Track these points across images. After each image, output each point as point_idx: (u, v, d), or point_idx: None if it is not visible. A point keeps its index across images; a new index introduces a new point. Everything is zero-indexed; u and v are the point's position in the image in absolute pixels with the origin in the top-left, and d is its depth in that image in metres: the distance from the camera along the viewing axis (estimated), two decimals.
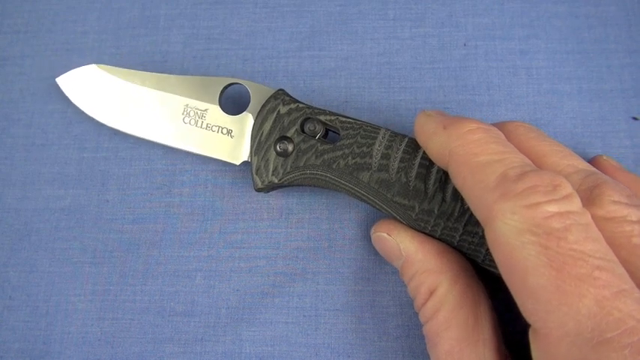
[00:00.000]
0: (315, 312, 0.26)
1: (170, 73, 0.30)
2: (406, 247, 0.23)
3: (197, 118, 0.27)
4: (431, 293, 0.22)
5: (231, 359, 0.26)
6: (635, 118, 0.28)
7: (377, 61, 0.29)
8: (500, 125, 0.24)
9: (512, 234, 0.18)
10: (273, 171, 0.25)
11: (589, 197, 0.20)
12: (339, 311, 0.26)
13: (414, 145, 0.24)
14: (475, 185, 0.20)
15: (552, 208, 0.18)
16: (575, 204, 0.18)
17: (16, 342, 0.27)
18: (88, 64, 0.28)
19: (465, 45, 0.29)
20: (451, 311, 0.21)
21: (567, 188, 0.18)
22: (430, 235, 0.23)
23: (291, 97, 0.26)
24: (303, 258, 0.27)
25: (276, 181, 0.25)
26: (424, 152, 0.23)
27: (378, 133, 0.24)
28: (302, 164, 0.25)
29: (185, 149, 0.27)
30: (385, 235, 0.24)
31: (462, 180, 0.20)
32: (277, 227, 0.27)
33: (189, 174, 0.28)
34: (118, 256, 0.27)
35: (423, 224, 0.23)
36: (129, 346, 0.26)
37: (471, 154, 0.20)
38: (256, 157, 0.25)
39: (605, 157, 0.26)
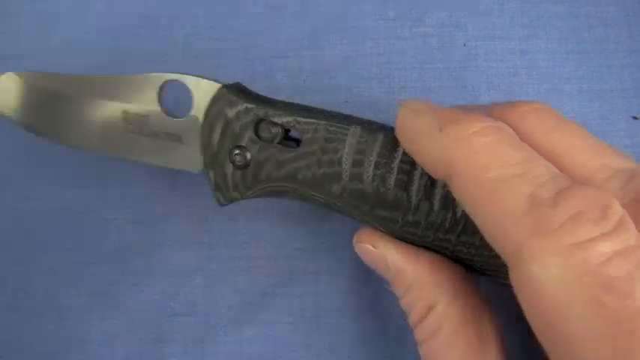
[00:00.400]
0: (315, 312, 0.26)
1: (167, 73, 0.30)
2: (394, 261, 0.20)
3: (140, 125, 0.23)
4: (428, 311, 0.19)
5: (231, 359, 0.26)
6: (635, 118, 0.28)
7: (377, 61, 0.29)
8: (502, 112, 0.19)
9: (554, 284, 0.13)
10: (233, 187, 0.22)
11: (637, 214, 0.15)
12: (340, 311, 0.26)
13: (389, 146, 0.20)
14: (493, 211, 0.15)
15: (608, 247, 0.13)
16: (632, 233, 0.14)
17: (15, 342, 0.27)
18: (88, 64, 0.28)
19: (464, 45, 0.29)
20: (453, 331, 0.18)
21: (618, 210, 0.14)
22: (420, 245, 0.20)
23: (236, 95, 0.22)
24: (303, 258, 0.27)
25: (239, 197, 0.22)
26: (403, 153, 0.19)
27: (346, 135, 0.20)
28: (264, 177, 0.21)
29: (137, 160, 0.24)
30: (369, 247, 0.21)
31: (473, 203, 0.16)
32: (277, 227, 0.27)
33: (189, 173, 0.28)
34: (118, 255, 0.27)
35: (409, 236, 0.20)
36: (129, 346, 0.26)
37: (482, 168, 0.16)
38: (212, 172, 0.22)
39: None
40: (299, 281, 0.26)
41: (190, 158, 0.23)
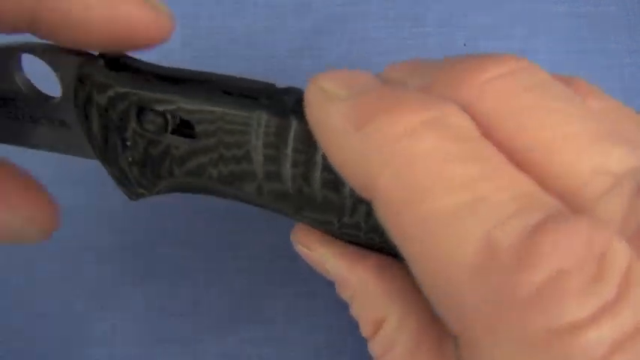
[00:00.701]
0: (315, 312, 0.26)
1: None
2: (334, 266, 0.16)
3: (15, 109, 0.18)
4: (378, 326, 0.15)
5: (231, 359, 0.26)
6: None
7: (377, 61, 0.29)
8: (456, 81, 0.12)
9: None
10: (136, 183, 0.18)
11: None
12: (340, 311, 0.26)
13: (307, 136, 0.15)
14: (428, 261, 0.10)
15: (606, 333, 0.08)
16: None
17: (15, 342, 0.27)
18: None
19: (465, 45, 0.29)
20: (408, 350, 0.15)
21: (620, 259, 0.09)
22: (366, 247, 0.16)
23: (104, 75, 0.16)
24: (303, 258, 0.27)
25: (146, 193, 0.18)
26: None
27: (250, 126, 0.15)
28: (165, 174, 0.17)
29: (38, 149, 0.20)
30: (305, 250, 0.17)
31: (402, 243, 0.11)
32: (278, 227, 0.27)
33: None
34: (118, 255, 0.27)
35: (351, 238, 0.16)
36: (129, 346, 0.26)
37: (413, 193, 0.10)
38: (109, 167, 0.18)
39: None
40: (299, 281, 0.26)
41: (83, 146, 0.18)
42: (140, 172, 0.17)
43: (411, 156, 0.11)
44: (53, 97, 0.18)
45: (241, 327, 0.26)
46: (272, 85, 0.17)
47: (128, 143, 0.17)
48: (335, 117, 0.12)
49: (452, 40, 0.29)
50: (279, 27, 0.30)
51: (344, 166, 0.13)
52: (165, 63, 0.31)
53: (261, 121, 0.15)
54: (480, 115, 0.12)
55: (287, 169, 0.15)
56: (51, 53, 0.17)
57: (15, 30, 0.14)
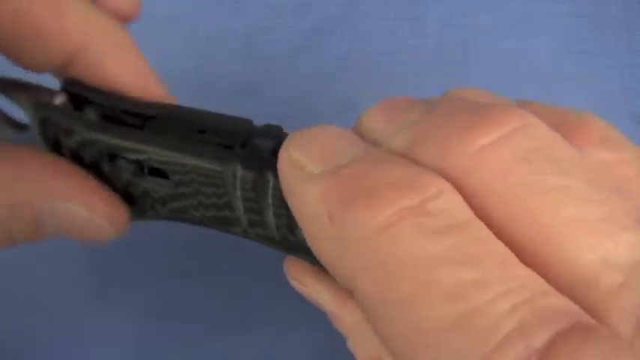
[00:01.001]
0: (314, 312, 0.26)
1: (169, 73, 0.29)
2: (327, 302, 0.15)
3: None
4: None
5: (231, 359, 0.26)
6: (635, 118, 0.28)
7: (377, 60, 0.29)
8: (446, 145, 0.10)
9: None
10: (130, 213, 0.18)
11: None
12: None
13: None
14: None
15: None
16: None
17: (14, 342, 0.27)
18: None
19: (465, 45, 0.29)
20: None
21: None
22: None
23: (66, 117, 0.15)
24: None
25: (137, 219, 0.18)
26: None
27: (225, 179, 0.14)
28: (148, 208, 0.17)
29: None
30: (297, 284, 0.16)
31: (390, 349, 0.10)
32: None
33: None
34: (117, 256, 0.27)
35: None
36: (129, 346, 0.26)
37: (398, 303, 0.09)
38: None
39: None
40: None
41: None
42: (126, 205, 0.17)
43: (391, 258, 0.09)
44: (27, 126, 0.17)
45: (241, 327, 0.26)
46: (248, 124, 0.15)
47: (106, 182, 0.16)
48: (308, 201, 0.11)
49: (452, 40, 0.29)
50: (279, 27, 0.30)
51: (321, 254, 0.11)
52: (165, 63, 0.31)
53: (236, 173, 0.14)
54: (471, 190, 0.10)
55: (270, 219, 0.14)
56: (8, 88, 0.16)
57: (41, 71, 0.14)
